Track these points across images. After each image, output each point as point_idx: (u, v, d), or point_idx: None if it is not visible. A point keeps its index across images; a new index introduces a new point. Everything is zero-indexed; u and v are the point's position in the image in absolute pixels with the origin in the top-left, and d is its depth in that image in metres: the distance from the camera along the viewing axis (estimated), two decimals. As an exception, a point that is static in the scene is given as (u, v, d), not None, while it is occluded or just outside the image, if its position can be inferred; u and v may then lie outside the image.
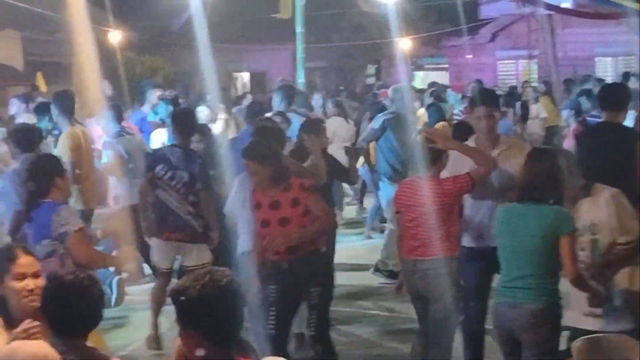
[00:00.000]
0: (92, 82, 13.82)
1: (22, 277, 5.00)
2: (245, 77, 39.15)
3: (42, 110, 11.61)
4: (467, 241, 7.46)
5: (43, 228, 6.69)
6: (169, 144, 9.41)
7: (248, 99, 17.63)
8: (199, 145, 9.60)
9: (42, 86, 22.31)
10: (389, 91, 12.71)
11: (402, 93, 11.75)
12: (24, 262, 5.08)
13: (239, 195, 7.97)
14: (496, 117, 7.51)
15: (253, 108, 11.38)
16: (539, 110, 18.93)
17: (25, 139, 9.25)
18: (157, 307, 8.95)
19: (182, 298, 3.60)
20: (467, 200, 7.39)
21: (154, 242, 9.09)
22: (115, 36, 27.06)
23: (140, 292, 10.66)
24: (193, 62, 23.88)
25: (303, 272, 7.25)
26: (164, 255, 8.99)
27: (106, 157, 11.53)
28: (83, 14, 11.48)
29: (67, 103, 10.66)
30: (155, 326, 8.90)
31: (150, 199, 9.00)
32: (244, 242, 7.87)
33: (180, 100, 15.83)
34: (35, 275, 5.08)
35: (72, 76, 31.32)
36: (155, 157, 9.16)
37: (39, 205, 6.80)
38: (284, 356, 5.97)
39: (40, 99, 19.55)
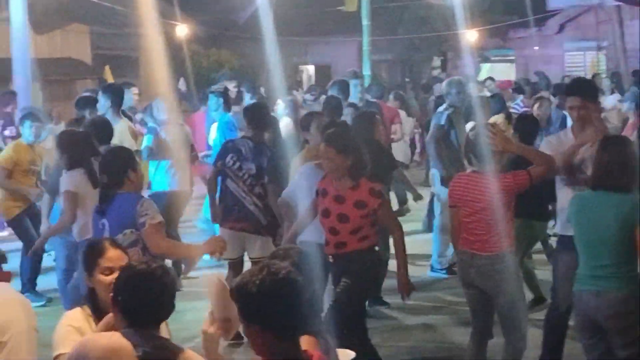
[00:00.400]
0: (159, 76, 13.91)
1: (110, 271, 4.99)
2: (310, 70, 39.16)
3: (83, 104, 11.67)
4: (558, 229, 7.45)
5: (125, 218, 6.76)
6: (242, 136, 9.51)
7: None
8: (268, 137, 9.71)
9: (110, 80, 22.51)
10: (443, 85, 12.56)
11: (457, 86, 11.60)
12: (112, 255, 5.07)
13: (303, 183, 8.04)
14: (590, 108, 7.31)
15: (331, 102, 11.38)
16: (614, 101, 18.67)
17: (101, 131, 9.38)
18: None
19: (243, 294, 3.59)
20: (560, 187, 7.31)
21: (220, 231, 9.19)
22: (182, 30, 27.23)
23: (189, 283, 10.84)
24: (259, 55, 24.00)
25: (345, 268, 7.30)
26: (231, 245, 8.93)
27: (148, 141, 11.55)
28: (152, 8, 11.59)
29: (117, 96, 10.94)
30: None
31: (217, 187, 9.17)
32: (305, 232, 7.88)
33: (247, 94, 15.84)
34: None
35: (139, 70, 31.67)
36: (227, 147, 9.32)
37: (114, 198, 6.87)
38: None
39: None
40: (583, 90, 7.47)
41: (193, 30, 29.42)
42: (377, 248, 7.60)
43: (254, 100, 14.07)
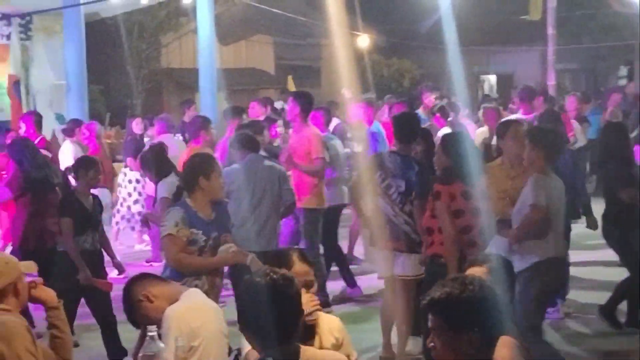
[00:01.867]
0: (342, 86, 13.98)
1: None
2: (492, 79, 38.75)
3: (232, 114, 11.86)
4: None
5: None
6: (389, 150, 9.15)
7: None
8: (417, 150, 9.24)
9: (292, 89, 22.82)
10: None
11: None
12: (299, 270, 4.82)
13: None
14: None
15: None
16: None
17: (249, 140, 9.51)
18: (389, 319, 8.67)
19: (451, 304, 3.63)
20: None
21: (372, 251, 8.97)
22: (364, 40, 27.36)
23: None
24: (440, 64, 23.88)
25: None
26: (383, 264, 8.66)
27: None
28: (336, 19, 11.64)
29: (308, 103, 10.98)
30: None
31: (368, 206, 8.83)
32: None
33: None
34: (308, 285, 4.83)
35: (320, 79, 32.03)
36: (374, 164, 8.82)
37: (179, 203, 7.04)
38: None
39: (281, 103, 20.12)
40: None
41: (374, 40, 29.54)
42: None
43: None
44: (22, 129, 13.03)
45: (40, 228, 9.64)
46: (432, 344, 3.69)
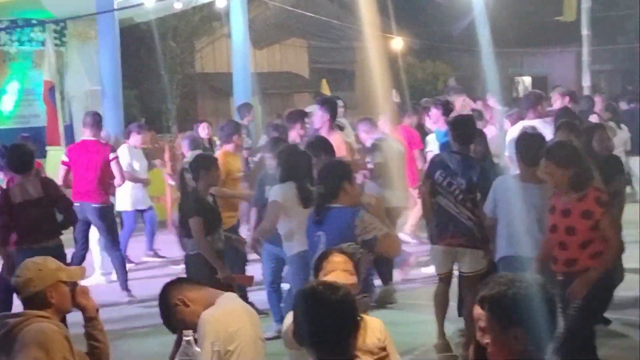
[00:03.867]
0: (377, 89, 13.98)
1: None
2: (526, 81, 38.58)
3: (294, 118, 11.69)
4: None
5: (344, 230, 6.72)
6: (449, 150, 9.31)
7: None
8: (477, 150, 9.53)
9: (327, 93, 22.83)
10: None
11: None
12: (335, 259, 5.22)
13: (499, 197, 8.12)
14: None
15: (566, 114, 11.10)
16: None
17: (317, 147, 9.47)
18: (441, 313, 8.90)
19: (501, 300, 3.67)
20: None
21: (433, 248, 9.10)
22: (398, 43, 27.34)
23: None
24: (474, 66, 23.81)
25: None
26: (442, 260, 8.94)
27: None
28: (371, 22, 11.67)
29: (334, 109, 11.02)
30: (443, 333, 8.85)
31: (430, 205, 9.03)
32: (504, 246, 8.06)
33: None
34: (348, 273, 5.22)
35: (355, 83, 32.01)
36: (434, 164, 9.14)
37: (331, 209, 6.88)
38: None
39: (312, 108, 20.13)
40: None
41: (408, 43, 29.50)
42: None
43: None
44: None
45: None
46: (486, 340, 3.70)
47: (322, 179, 7.11)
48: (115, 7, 17.41)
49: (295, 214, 8.48)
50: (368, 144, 11.82)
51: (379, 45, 13.85)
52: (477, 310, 3.71)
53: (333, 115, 11.13)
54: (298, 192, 8.62)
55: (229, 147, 11.16)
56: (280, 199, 8.69)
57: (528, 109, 12.02)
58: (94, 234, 12.18)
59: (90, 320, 4.85)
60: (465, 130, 9.08)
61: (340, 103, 13.96)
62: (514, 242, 7.94)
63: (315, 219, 7.02)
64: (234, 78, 20.49)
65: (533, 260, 7.50)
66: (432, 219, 9.03)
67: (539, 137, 8.58)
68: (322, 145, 9.39)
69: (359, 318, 4.03)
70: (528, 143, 8.24)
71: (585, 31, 24.07)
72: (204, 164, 8.85)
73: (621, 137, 14.80)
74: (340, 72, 31.80)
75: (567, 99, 12.91)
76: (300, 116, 11.74)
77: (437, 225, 8.93)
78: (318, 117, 11.16)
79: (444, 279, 9.00)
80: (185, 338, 4.53)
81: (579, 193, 7.12)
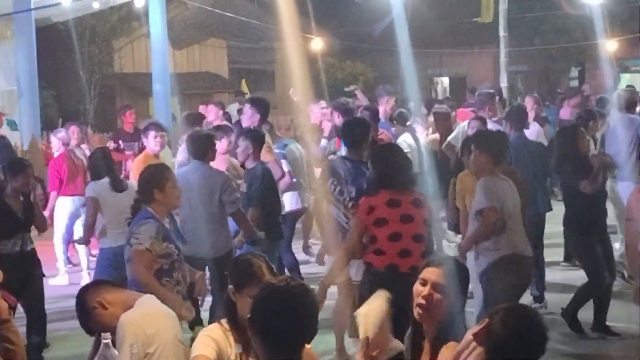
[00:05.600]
0: (296, 89, 13.96)
1: None
2: (445, 81, 38.96)
3: (192, 120, 11.66)
4: None
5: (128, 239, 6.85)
6: (341, 156, 9.08)
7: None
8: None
9: (247, 93, 22.82)
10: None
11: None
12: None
13: None
14: None
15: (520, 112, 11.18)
16: None
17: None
18: (341, 328, 8.62)
19: None
20: None
21: (328, 258, 8.73)
22: (317, 43, 27.41)
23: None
24: (393, 67, 23.96)
25: None
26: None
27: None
28: (289, 22, 11.65)
29: (265, 109, 11.00)
30: (343, 348, 8.61)
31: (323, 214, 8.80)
32: None
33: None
34: None
35: (274, 83, 32.02)
36: (327, 171, 8.71)
37: (139, 213, 6.91)
38: None
39: (236, 105, 20.03)
40: None
41: (328, 43, 29.59)
42: None
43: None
44: None
45: None
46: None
47: (138, 182, 7.12)
48: (32, 6, 17.20)
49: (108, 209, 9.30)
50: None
51: (299, 46, 13.80)
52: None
53: (263, 114, 11.00)
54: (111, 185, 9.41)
55: (150, 149, 11.05)
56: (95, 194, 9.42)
57: (479, 109, 12.25)
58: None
59: (4, 322, 4.78)
60: (354, 135, 8.66)
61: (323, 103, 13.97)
62: None
63: (130, 221, 7.04)
64: (153, 78, 20.34)
65: None
66: (325, 229, 8.78)
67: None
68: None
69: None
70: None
71: (502, 32, 24.39)
72: (13, 169, 8.89)
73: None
74: (260, 72, 31.79)
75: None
76: (199, 119, 11.71)
77: (329, 236, 8.62)
78: (248, 115, 11.06)
79: (341, 289, 8.64)
80: (103, 341, 4.48)
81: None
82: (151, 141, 11.00)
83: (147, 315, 5.08)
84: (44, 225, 9.33)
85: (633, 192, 7.40)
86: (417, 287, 4.49)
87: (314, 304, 3.95)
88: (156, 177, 7.00)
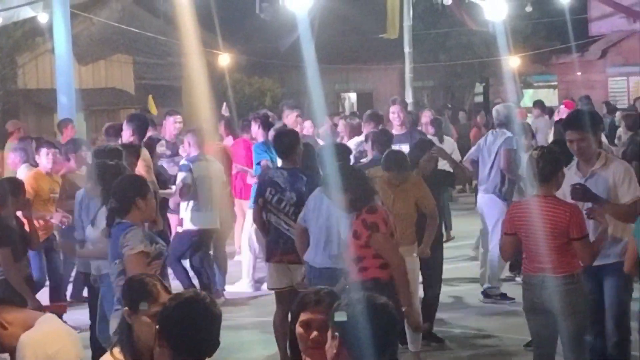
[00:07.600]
0: (203, 104, 13.97)
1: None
2: (352, 97, 39.21)
3: (113, 132, 11.63)
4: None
5: (116, 247, 6.73)
6: (276, 167, 9.40)
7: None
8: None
9: (153, 109, 22.65)
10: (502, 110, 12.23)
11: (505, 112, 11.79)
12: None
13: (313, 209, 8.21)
14: (589, 140, 7.47)
15: (383, 137, 11.30)
16: None
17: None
18: (283, 339, 8.58)
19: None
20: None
21: (267, 265, 9.12)
22: (224, 59, 27.39)
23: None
24: (301, 82, 24.06)
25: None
26: (277, 277, 8.95)
27: (180, 180, 11.75)
28: (194, 38, 11.68)
29: (142, 126, 10.93)
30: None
31: (263, 224, 9.09)
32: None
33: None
34: None
35: (181, 99, 31.85)
36: (264, 182, 9.19)
37: (116, 225, 6.86)
38: None
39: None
40: (581, 124, 7.55)
41: (235, 59, 29.58)
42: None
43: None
44: None
45: None
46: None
47: (115, 194, 7.05)
48: None
49: None
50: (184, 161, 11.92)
51: (205, 62, 13.85)
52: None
53: (137, 131, 10.90)
54: None
55: (42, 167, 11.00)
56: None
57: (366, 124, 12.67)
58: None
59: None
60: (285, 144, 9.16)
61: (178, 118, 13.95)
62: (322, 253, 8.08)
63: (107, 233, 7.03)
64: (58, 94, 20.04)
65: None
66: (265, 237, 9.12)
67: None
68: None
69: None
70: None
71: (407, 49, 24.62)
72: (11, 189, 8.74)
73: (446, 149, 15.13)
74: (167, 87, 31.55)
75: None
76: (119, 131, 11.69)
77: (268, 243, 9.04)
78: (125, 132, 11.03)
79: (280, 295, 8.94)
80: (2, 361, 4.44)
81: (355, 214, 7.46)
82: (43, 158, 10.98)
83: (47, 335, 5.03)
84: None
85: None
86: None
87: (220, 315, 4.07)
88: (137, 186, 7.00)
